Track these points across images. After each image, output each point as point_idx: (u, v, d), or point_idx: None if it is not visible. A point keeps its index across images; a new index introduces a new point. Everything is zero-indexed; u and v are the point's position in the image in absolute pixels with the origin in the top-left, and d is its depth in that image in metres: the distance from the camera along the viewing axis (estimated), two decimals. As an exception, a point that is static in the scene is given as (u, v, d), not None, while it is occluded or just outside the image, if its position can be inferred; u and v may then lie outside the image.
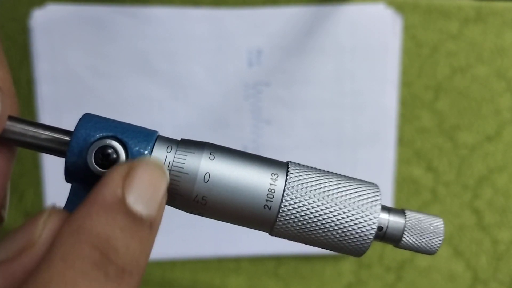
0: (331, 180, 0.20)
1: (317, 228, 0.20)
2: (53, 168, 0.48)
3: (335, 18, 0.47)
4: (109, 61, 0.47)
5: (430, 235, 0.20)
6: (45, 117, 0.47)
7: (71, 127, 0.21)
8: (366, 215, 0.20)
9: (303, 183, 0.20)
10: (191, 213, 0.20)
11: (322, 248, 0.21)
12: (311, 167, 0.21)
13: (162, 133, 0.21)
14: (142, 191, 0.17)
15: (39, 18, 0.46)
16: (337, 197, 0.20)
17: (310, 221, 0.20)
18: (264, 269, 0.51)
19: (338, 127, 0.49)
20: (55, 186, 0.48)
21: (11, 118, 0.20)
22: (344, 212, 0.19)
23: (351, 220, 0.19)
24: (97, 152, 0.19)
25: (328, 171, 0.21)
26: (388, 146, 0.49)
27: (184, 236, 0.49)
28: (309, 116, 0.48)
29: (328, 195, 0.19)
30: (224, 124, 0.48)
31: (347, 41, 0.47)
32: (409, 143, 0.49)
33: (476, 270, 0.51)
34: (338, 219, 0.19)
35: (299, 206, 0.19)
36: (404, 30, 0.48)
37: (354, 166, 0.49)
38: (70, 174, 0.20)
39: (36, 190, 0.48)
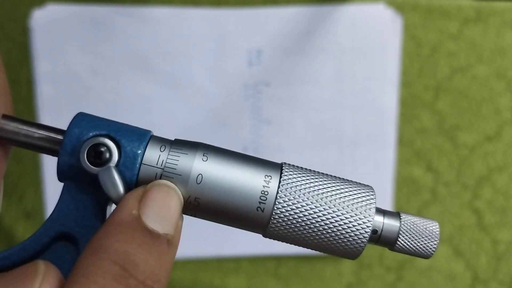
0: (325, 182, 0.20)
1: (310, 231, 0.19)
2: (53, 168, 0.48)
3: (335, 18, 0.47)
4: (109, 61, 0.47)
5: (426, 238, 0.20)
6: (45, 117, 0.47)
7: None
8: (360, 218, 0.19)
9: (297, 185, 0.19)
10: (184, 214, 0.20)
11: (316, 250, 0.21)
12: (306, 169, 0.20)
13: (162, 133, 0.21)
14: (157, 211, 0.18)
15: (39, 18, 0.46)
16: (331, 200, 0.19)
17: (303, 224, 0.19)
18: (264, 269, 0.51)
19: (338, 127, 0.49)
20: (55, 186, 0.48)
21: (4, 116, 0.20)
22: (338, 216, 0.19)
23: (345, 223, 0.19)
24: (89, 150, 0.19)
25: (323, 173, 0.20)
26: (388, 146, 0.49)
27: (184, 236, 0.49)
28: (309, 116, 0.48)
29: (322, 198, 0.19)
30: (224, 124, 0.48)
31: (347, 41, 0.47)
32: (409, 143, 0.49)
33: (476, 270, 0.51)
34: (331, 222, 0.19)
35: (292, 209, 0.19)
36: (404, 30, 0.48)
37: (354, 166, 0.49)
38: (62, 173, 0.19)
39: (36, 190, 0.48)
